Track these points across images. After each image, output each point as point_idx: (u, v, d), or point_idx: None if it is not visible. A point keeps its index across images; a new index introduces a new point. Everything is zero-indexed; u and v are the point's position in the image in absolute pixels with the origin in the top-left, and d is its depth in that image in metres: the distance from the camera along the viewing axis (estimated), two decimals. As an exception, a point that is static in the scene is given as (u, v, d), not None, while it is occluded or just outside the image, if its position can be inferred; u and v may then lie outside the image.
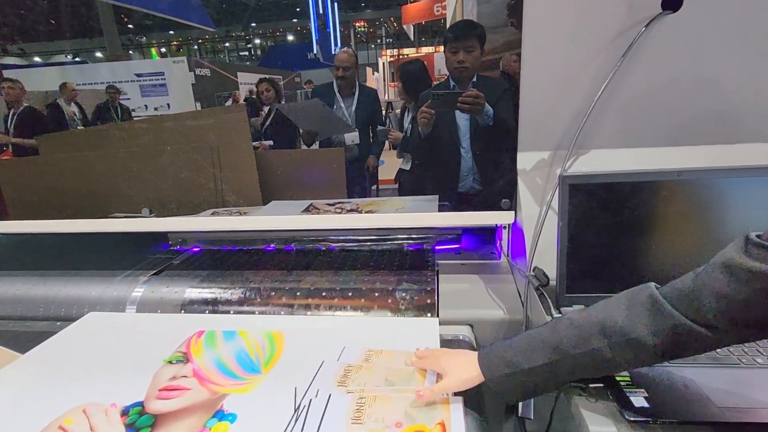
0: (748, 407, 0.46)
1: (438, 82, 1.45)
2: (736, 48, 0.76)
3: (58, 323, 0.84)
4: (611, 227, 0.65)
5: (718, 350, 0.55)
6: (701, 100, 0.78)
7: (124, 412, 0.58)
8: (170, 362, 0.69)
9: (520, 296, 0.80)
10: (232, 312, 0.85)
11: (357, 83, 1.89)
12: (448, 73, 1.26)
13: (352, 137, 1.80)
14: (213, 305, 0.87)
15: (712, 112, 0.79)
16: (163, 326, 0.81)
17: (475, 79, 1.21)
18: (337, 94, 1.89)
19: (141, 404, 0.60)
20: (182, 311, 0.86)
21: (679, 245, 0.65)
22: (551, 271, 0.71)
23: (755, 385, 0.50)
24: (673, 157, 0.79)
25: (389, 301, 0.82)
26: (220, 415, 0.57)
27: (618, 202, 0.65)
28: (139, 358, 0.71)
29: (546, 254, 0.75)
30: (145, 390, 0.62)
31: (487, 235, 1.05)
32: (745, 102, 0.77)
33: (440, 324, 0.75)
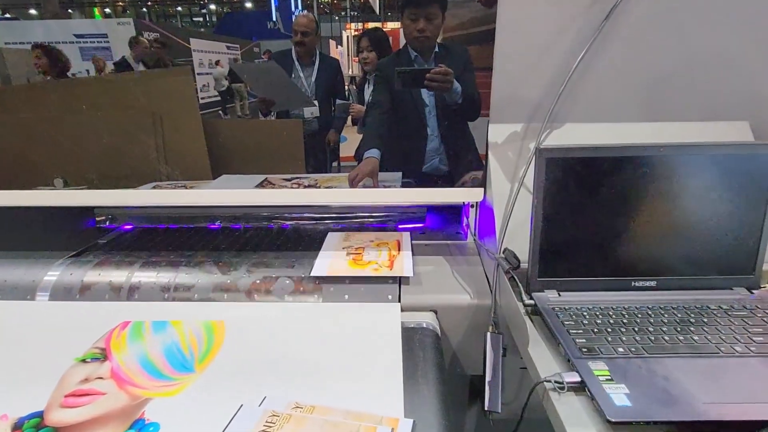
0: (731, 402, 0.43)
1: (397, 51, 1.36)
2: (717, 23, 0.72)
3: (-52, 315, 0.70)
4: (589, 205, 0.60)
5: (696, 338, 0.52)
6: (681, 75, 0.74)
7: (18, 426, 0.48)
8: (84, 361, 0.58)
9: (488, 280, 0.74)
10: (165, 299, 0.75)
11: (318, 52, 1.76)
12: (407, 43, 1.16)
13: (311, 110, 1.68)
14: (143, 291, 0.75)
15: (692, 87, 0.75)
16: (80, 317, 0.69)
17: (437, 49, 1.13)
18: (296, 63, 1.74)
19: (40, 415, 0.49)
20: (106, 299, 0.75)
21: (657, 225, 0.61)
22: (522, 254, 0.65)
23: (735, 376, 0.46)
24: (650, 133, 0.75)
25: (346, 283, 0.74)
26: (139, 425, 0.48)
27: (596, 178, 0.59)
28: (45, 357, 0.59)
29: (517, 235, 0.70)
30: (48, 396, 0.52)
31: (453, 214, 0.99)
32: (724, 79, 0.74)
33: (402, 310, 0.68)
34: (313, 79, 1.71)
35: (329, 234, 0.92)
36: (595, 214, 0.60)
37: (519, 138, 0.77)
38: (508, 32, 0.73)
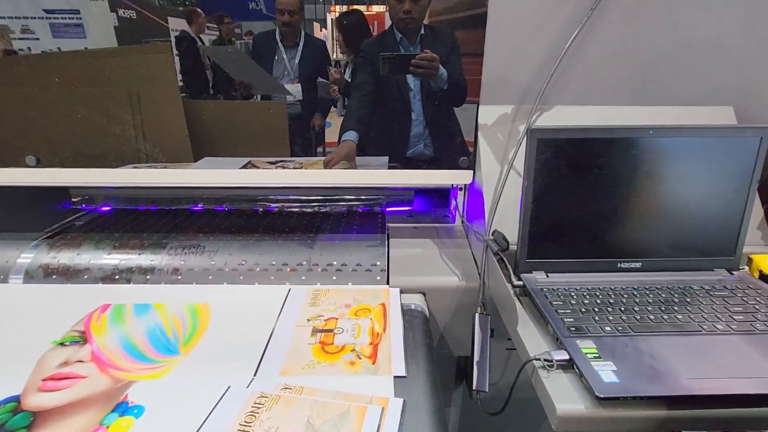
0: (713, 377, 0.44)
1: (382, 32, 1.32)
2: (706, 9, 0.72)
3: None
4: (578, 187, 0.60)
5: (680, 317, 0.53)
6: (668, 60, 0.75)
7: (-7, 411, 0.46)
8: (62, 344, 0.56)
9: (476, 262, 0.74)
10: (146, 282, 0.72)
11: (303, 32, 1.69)
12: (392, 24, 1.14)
13: (294, 92, 1.61)
14: (124, 274, 0.73)
15: (679, 72, 0.75)
16: (57, 300, 0.66)
17: (423, 32, 1.11)
18: (279, 44, 1.67)
19: (17, 399, 0.47)
20: (84, 281, 0.72)
21: (643, 208, 0.62)
22: (510, 236, 0.65)
23: (717, 353, 0.48)
24: (637, 116, 0.75)
25: (333, 267, 0.74)
26: (122, 408, 0.46)
27: (586, 160, 0.59)
28: (20, 341, 0.57)
29: (505, 217, 0.70)
30: (25, 381, 0.50)
31: (440, 197, 0.99)
32: (711, 65, 0.75)
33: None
34: (297, 60, 1.64)
35: (291, 291, 0.68)
36: (583, 196, 0.61)
37: (509, 120, 0.76)
38: (500, 13, 0.72)
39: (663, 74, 0.76)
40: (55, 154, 0.87)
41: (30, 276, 0.72)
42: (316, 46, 1.78)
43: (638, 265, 0.63)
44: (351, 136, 0.95)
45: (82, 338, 0.58)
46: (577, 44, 0.72)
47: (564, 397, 0.43)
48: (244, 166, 1.07)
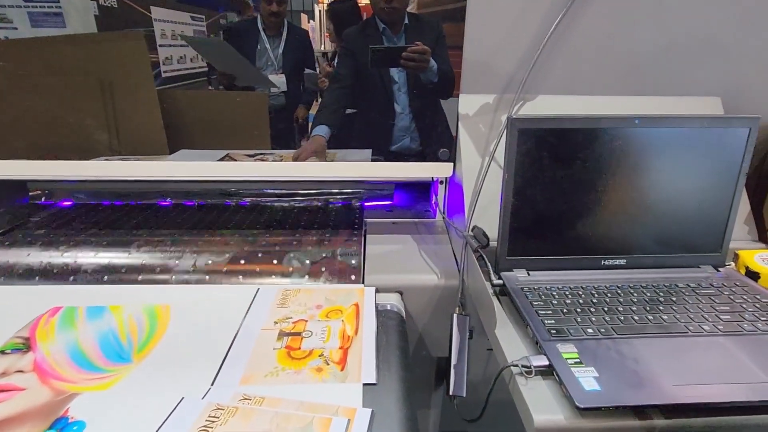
0: (699, 383, 0.41)
1: (364, 21, 1.27)
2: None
3: None
4: (560, 180, 0.57)
5: (665, 317, 0.50)
6: (655, 50, 0.72)
7: None
8: (2, 352, 0.52)
9: (456, 259, 0.71)
10: (105, 282, 0.68)
11: (285, 22, 1.62)
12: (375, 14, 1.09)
13: (278, 83, 1.54)
14: (80, 274, 0.68)
15: (665, 62, 0.72)
16: (4, 302, 0.61)
17: (407, 21, 1.06)
18: (262, 33, 1.58)
19: (-57, 415, 0.43)
20: (36, 282, 0.67)
21: (628, 202, 0.59)
22: (491, 231, 0.62)
23: (703, 356, 0.45)
24: (622, 106, 0.72)
25: (305, 265, 0.70)
26: (61, 424, 0.42)
27: (570, 151, 0.56)
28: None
29: (486, 212, 0.66)
30: (-45, 394, 0.45)
31: (421, 191, 0.95)
32: (698, 55, 0.72)
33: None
34: (281, 51, 1.56)
35: (260, 290, 0.64)
36: (566, 190, 0.58)
37: (491, 110, 0.73)
38: (479, 1, 0.68)
39: (650, 64, 0.73)
40: (9, 144, 0.81)
41: (-24, 276, 0.66)
42: (299, 35, 1.69)
43: (623, 262, 0.60)
44: (322, 131, 0.91)
45: (26, 345, 0.53)
46: (561, 31, 0.69)
47: (542, 406, 0.40)
48: (222, 159, 1.02)
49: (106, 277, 0.68)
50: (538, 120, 0.55)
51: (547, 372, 0.44)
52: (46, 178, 0.89)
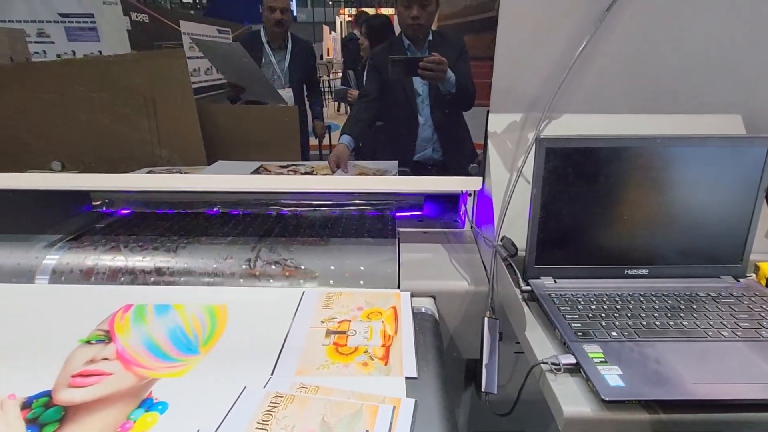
0: (717, 382, 0.45)
1: (389, 41, 1.32)
2: (714, 18, 0.73)
3: (-53, 297, 0.70)
4: (586, 195, 0.62)
5: (685, 323, 0.54)
6: (677, 68, 0.76)
7: (26, 405, 0.48)
8: (88, 342, 0.59)
9: (485, 267, 0.76)
10: (165, 283, 0.75)
11: (289, 34, 1.56)
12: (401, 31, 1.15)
13: (287, 98, 1.50)
14: (144, 275, 0.76)
15: (687, 81, 0.76)
16: (81, 300, 0.69)
17: (431, 37, 1.12)
18: (266, 46, 1.51)
19: (48, 394, 0.50)
20: (105, 282, 0.75)
21: (651, 215, 0.63)
22: (519, 242, 0.67)
23: (721, 358, 0.49)
24: (645, 124, 0.76)
25: (346, 270, 0.76)
26: (147, 404, 0.49)
27: (595, 169, 0.61)
28: (49, 339, 0.60)
29: (514, 223, 0.71)
30: (55, 377, 0.52)
31: (450, 203, 1.01)
32: (719, 73, 0.76)
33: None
34: (287, 64, 1.52)
35: (305, 294, 0.71)
36: (591, 204, 0.62)
37: (518, 128, 0.78)
38: (510, 21, 0.74)
39: (671, 82, 0.77)
40: (77, 159, 0.90)
41: (55, 276, 0.75)
42: (304, 47, 1.64)
43: (645, 271, 0.64)
44: (345, 140, 0.99)
45: (107, 337, 0.60)
46: (586, 53, 0.74)
47: (571, 399, 0.45)
48: (257, 170, 1.09)
49: (166, 279, 0.75)
50: (564, 140, 0.60)
51: (574, 370, 0.48)
52: (102, 189, 0.98)
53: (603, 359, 0.48)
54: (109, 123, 1.01)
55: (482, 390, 0.59)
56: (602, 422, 0.43)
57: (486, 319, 0.64)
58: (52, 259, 0.77)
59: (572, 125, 0.76)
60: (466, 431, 0.88)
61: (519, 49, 0.75)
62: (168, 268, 0.77)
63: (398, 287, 0.72)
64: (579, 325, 0.54)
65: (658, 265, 0.64)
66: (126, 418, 0.47)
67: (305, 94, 1.60)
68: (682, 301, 0.59)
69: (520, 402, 0.57)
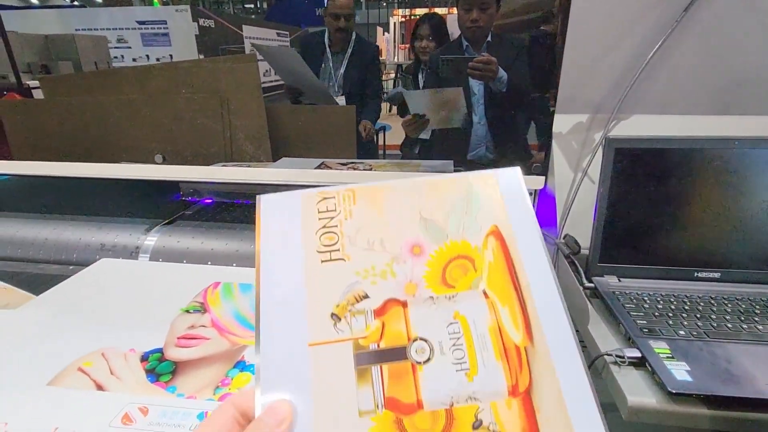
0: (794, 386, 0.45)
1: (448, 42, 1.33)
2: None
3: (71, 267, 0.83)
4: (655, 196, 0.62)
5: (760, 327, 0.53)
6: (756, 70, 0.73)
7: (144, 358, 0.57)
8: (187, 311, 0.68)
9: (546, 264, 0.77)
10: (245, 264, 0.84)
11: (353, 36, 1.49)
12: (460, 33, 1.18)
13: (340, 103, 1.47)
14: (228, 257, 0.85)
15: (766, 82, 0.73)
16: (178, 275, 0.79)
17: (489, 39, 1.13)
18: (328, 50, 1.51)
19: (160, 351, 0.59)
20: (194, 262, 0.85)
21: (724, 218, 0.62)
22: (581, 240, 0.68)
23: (799, 364, 0.48)
24: (718, 126, 0.74)
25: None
26: (241, 365, 0.56)
27: (666, 170, 0.61)
28: (156, 306, 0.69)
29: (576, 222, 0.72)
30: (164, 337, 0.61)
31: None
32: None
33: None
34: (342, 71, 1.51)
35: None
36: (661, 205, 0.62)
37: (584, 129, 0.78)
38: (581, 22, 0.75)
39: (750, 83, 0.74)
40: (177, 153, 1.02)
41: (155, 255, 0.86)
42: (366, 51, 1.60)
43: (717, 275, 0.63)
44: None
45: (202, 308, 0.69)
46: (659, 53, 0.73)
47: (635, 390, 0.46)
48: (318, 167, 1.17)
49: (247, 263, 0.84)
50: (634, 140, 0.61)
51: (638, 364, 0.49)
52: (188, 179, 1.09)
53: (669, 355, 0.49)
54: (197, 120, 1.13)
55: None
56: (667, 414, 0.44)
57: (547, 313, 0.66)
58: (152, 239, 0.88)
59: (642, 126, 0.75)
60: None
61: (589, 50, 0.76)
62: (249, 252, 0.85)
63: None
64: (644, 322, 0.54)
65: (731, 270, 0.63)
66: (224, 375, 0.54)
67: (363, 95, 1.60)
68: (757, 306, 0.57)
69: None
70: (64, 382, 0.52)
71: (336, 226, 0.29)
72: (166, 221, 0.95)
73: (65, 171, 0.98)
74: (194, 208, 1.04)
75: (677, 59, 0.74)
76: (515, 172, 0.31)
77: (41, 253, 0.87)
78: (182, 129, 1.09)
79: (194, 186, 1.13)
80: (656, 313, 0.56)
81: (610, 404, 0.49)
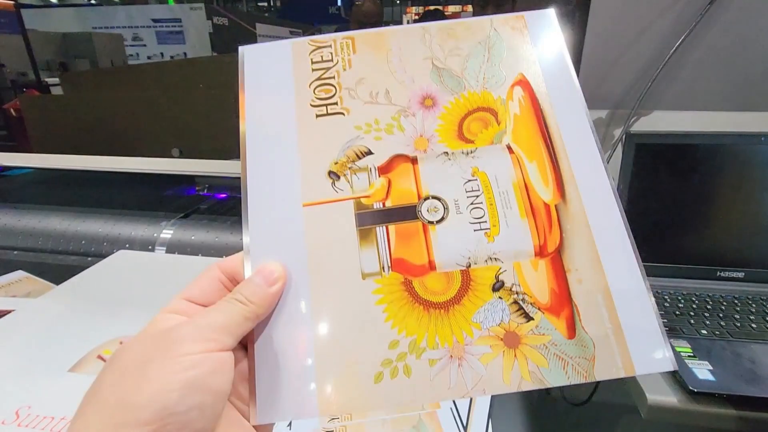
0: (822, 388, 0.43)
1: None
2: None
3: (90, 258, 0.84)
4: (676, 193, 0.61)
5: (786, 328, 0.52)
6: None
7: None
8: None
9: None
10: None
11: None
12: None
13: None
14: (240, 251, 0.85)
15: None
16: (194, 268, 0.80)
17: None
18: None
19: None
20: (212, 255, 0.85)
21: (749, 217, 0.60)
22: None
23: (827, 367, 0.46)
24: (740, 122, 0.72)
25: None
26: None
27: (688, 166, 0.59)
28: (171, 297, 0.70)
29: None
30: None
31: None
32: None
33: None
34: None
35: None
36: (683, 202, 0.61)
37: (604, 124, 0.77)
38: (602, 17, 0.73)
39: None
40: (193, 147, 1.03)
41: (171, 248, 0.87)
42: None
43: (741, 275, 0.62)
44: None
45: (218, 300, 0.69)
46: (682, 48, 0.71)
47: (655, 389, 0.45)
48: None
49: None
50: (656, 135, 0.60)
51: (660, 363, 0.48)
52: (201, 174, 1.10)
53: (691, 354, 0.47)
54: (211, 115, 1.14)
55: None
56: (687, 413, 0.43)
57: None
58: (168, 233, 0.89)
59: (663, 122, 0.74)
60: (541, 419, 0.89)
61: (610, 45, 0.75)
62: (263, 246, 0.86)
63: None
64: (665, 320, 0.53)
65: (756, 269, 0.61)
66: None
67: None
68: (783, 307, 0.56)
69: (605, 396, 0.58)
70: (84, 369, 0.53)
71: (333, 77, 0.26)
72: (182, 215, 0.96)
73: (84, 164, 1.00)
74: (209, 203, 1.05)
75: (699, 54, 0.72)
76: (549, 13, 0.27)
77: (61, 245, 0.89)
78: (199, 124, 1.10)
79: (209, 181, 1.14)
80: (677, 312, 0.55)
81: (629, 404, 0.48)
